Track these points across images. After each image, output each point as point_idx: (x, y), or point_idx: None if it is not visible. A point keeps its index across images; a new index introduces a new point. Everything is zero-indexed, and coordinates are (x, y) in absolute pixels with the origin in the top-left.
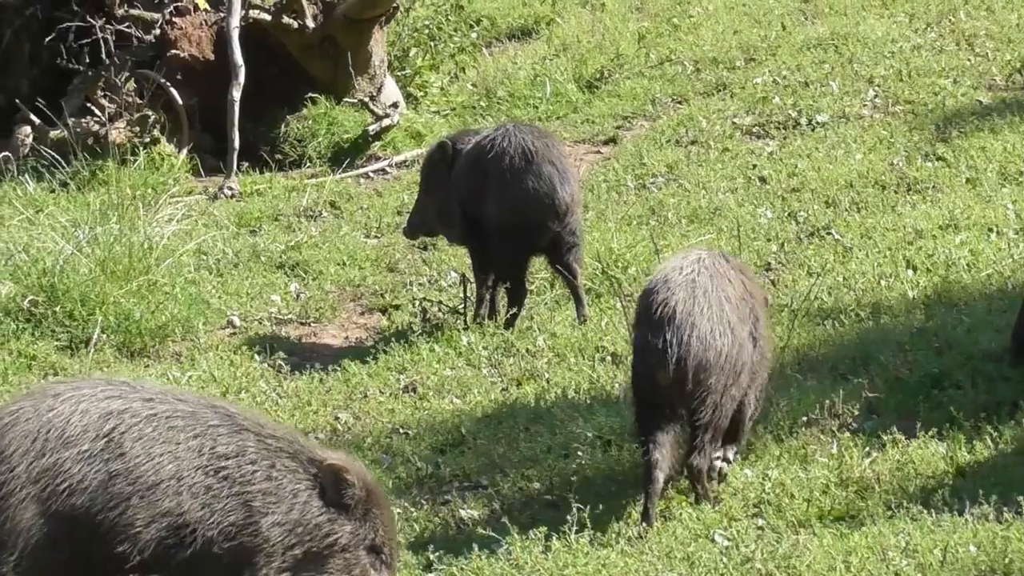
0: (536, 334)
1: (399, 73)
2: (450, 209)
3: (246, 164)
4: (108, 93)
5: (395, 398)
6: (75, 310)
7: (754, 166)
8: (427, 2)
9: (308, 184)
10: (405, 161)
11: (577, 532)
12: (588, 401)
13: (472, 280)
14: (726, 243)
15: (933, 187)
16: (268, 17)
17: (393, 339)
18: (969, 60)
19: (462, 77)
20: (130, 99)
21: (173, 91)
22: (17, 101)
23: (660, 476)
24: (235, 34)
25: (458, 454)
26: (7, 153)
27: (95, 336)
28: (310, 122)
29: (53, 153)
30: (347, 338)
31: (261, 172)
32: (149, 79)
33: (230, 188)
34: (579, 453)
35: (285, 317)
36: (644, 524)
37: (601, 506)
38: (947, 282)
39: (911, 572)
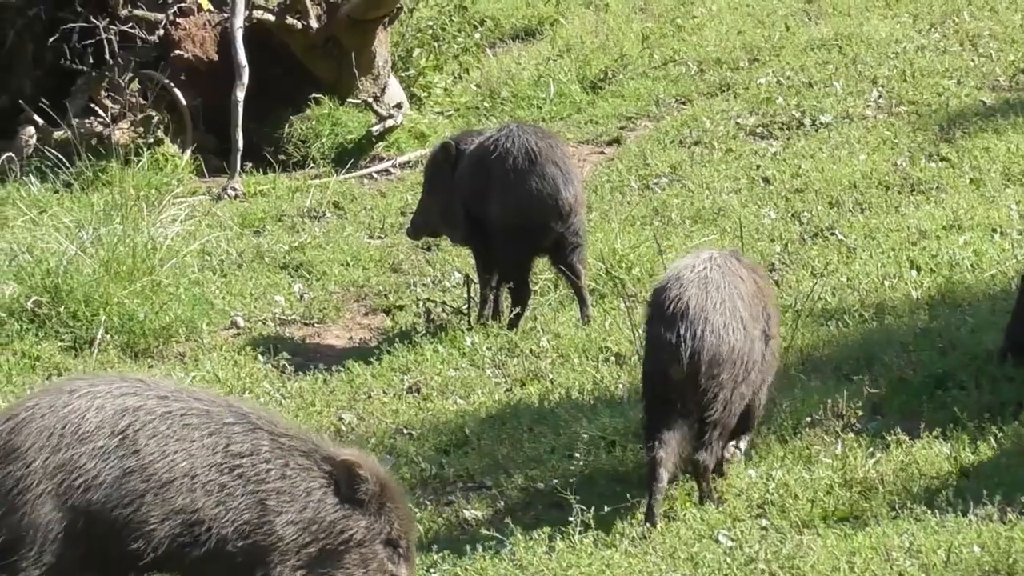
0: (540, 335)
1: (403, 74)
2: (453, 210)
3: (250, 165)
4: (112, 94)
5: (399, 399)
6: (79, 311)
7: (758, 167)
8: (431, 3)
9: (312, 185)
10: (409, 162)
11: (581, 532)
12: (592, 402)
13: (476, 281)
14: (730, 244)
15: (937, 188)
16: (272, 17)
17: (397, 340)
18: (973, 61)
19: (466, 78)
20: (134, 100)
21: (177, 92)
22: (21, 102)
23: (664, 474)
24: (239, 34)
25: (462, 455)
26: (11, 154)
27: (99, 337)
28: (314, 123)
29: (57, 154)
30: (351, 339)
31: (265, 173)
32: (153, 80)
33: (234, 189)
34: (583, 453)
35: (289, 318)
36: (648, 524)
37: (605, 507)
38: (951, 282)
39: (915, 572)
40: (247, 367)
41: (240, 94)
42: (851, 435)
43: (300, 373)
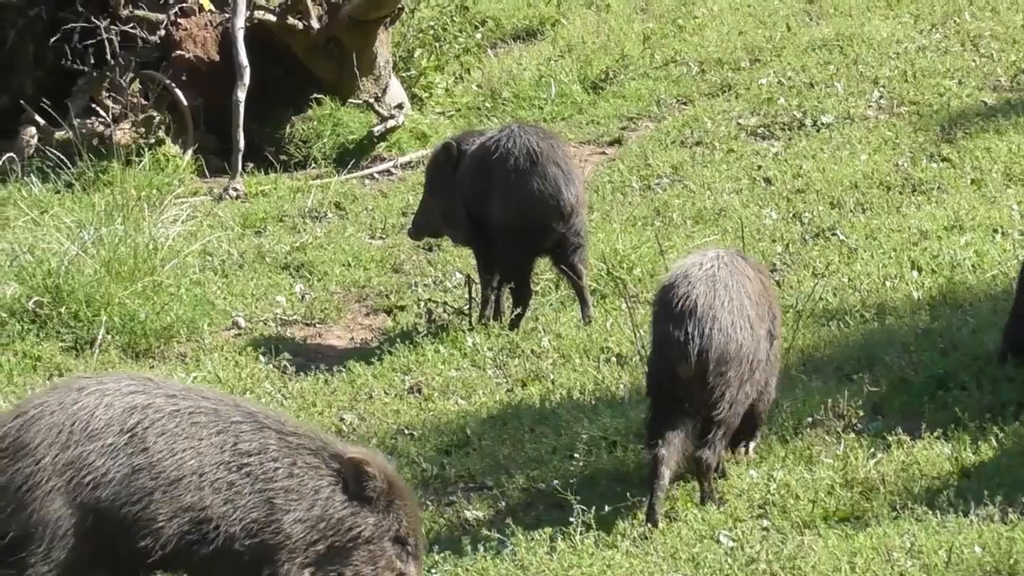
0: (541, 335)
1: (404, 74)
2: (455, 210)
3: (251, 165)
4: (113, 94)
5: (400, 399)
6: (80, 311)
7: (759, 167)
8: (432, 3)
9: (313, 185)
10: (410, 162)
11: (582, 533)
12: (593, 402)
13: (477, 281)
14: (731, 244)
15: (938, 188)
16: (273, 18)
17: (398, 340)
18: (974, 61)
19: (467, 78)
20: (135, 100)
21: (178, 92)
22: (22, 102)
23: (666, 472)
24: (240, 35)
25: (463, 455)
26: (12, 154)
27: (100, 337)
28: (315, 123)
29: (58, 154)
30: (352, 339)
31: (266, 173)
32: (154, 80)
33: (235, 189)
34: (584, 454)
35: (290, 318)
36: (649, 524)
37: (606, 507)
38: (952, 283)
39: (916, 573)
40: (248, 367)
41: (241, 94)
42: (852, 435)
43: (301, 373)
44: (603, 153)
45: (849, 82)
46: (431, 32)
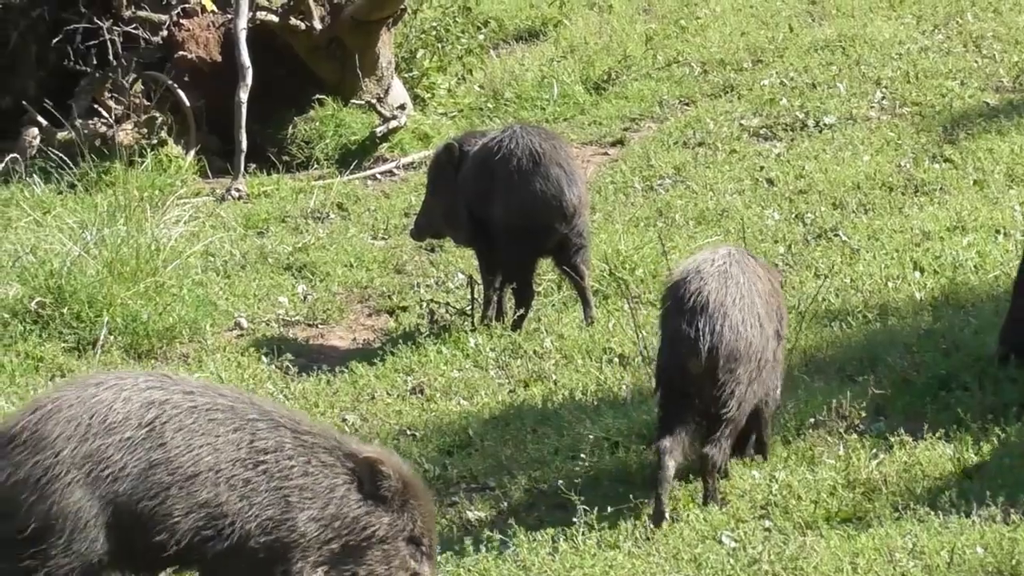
0: (543, 336)
1: (406, 75)
2: (457, 211)
3: (253, 166)
4: (115, 95)
5: (402, 400)
6: (82, 312)
7: (761, 168)
8: (435, 4)
9: (315, 186)
10: (412, 163)
11: (584, 534)
12: (595, 403)
13: (479, 282)
14: (733, 245)
15: (940, 189)
16: (275, 19)
17: (400, 341)
18: (976, 62)
19: (469, 79)
20: (137, 101)
21: (180, 93)
22: (24, 103)
23: (671, 463)
24: (242, 36)
25: (465, 456)
26: (15, 155)
27: (102, 338)
28: (317, 124)
29: (60, 155)
30: (354, 340)
31: (268, 174)
32: (156, 81)
33: (237, 190)
34: (586, 455)
35: (292, 319)
36: (655, 518)
37: (608, 508)
38: (954, 284)
39: (918, 574)
40: (251, 368)
41: (244, 95)
42: (854, 436)
43: (304, 374)
44: (605, 154)
45: (851, 83)
46: (433, 33)
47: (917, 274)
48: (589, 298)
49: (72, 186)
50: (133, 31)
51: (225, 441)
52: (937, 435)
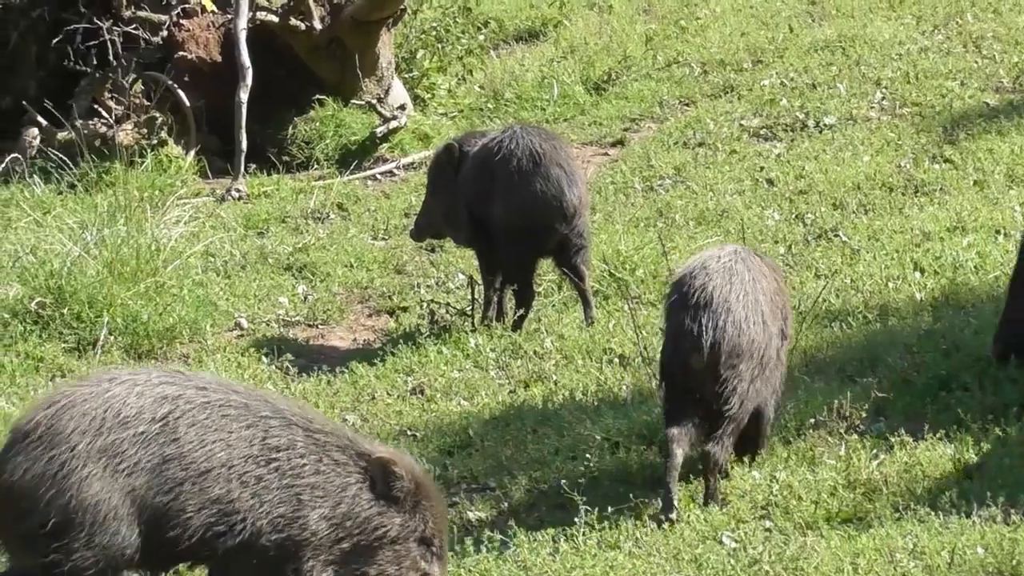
0: (544, 336)
1: (407, 75)
2: (457, 211)
3: (253, 166)
4: (115, 95)
5: (403, 400)
6: (82, 312)
7: (761, 168)
8: (435, 4)
9: (315, 186)
10: (412, 163)
11: (585, 534)
12: (596, 403)
13: (480, 282)
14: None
15: (940, 189)
16: (275, 19)
17: (401, 341)
18: (976, 62)
19: (469, 79)
20: (137, 101)
21: (180, 93)
22: (24, 103)
23: (679, 451)
24: (242, 36)
25: (466, 456)
26: (15, 155)
27: (102, 338)
28: (317, 124)
29: (60, 155)
30: (355, 340)
31: (268, 174)
32: (156, 81)
33: (237, 190)
34: (587, 455)
35: (293, 319)
36: (665, 510)
37: (609, 508)
38: (955, 284)
39: (918, 574)
40: (251, 368)
41: (244, 95)
42: (855, 436)
43: (304, 375)
44: (605, 154)
45: (851, 83)
46: (434, 33)
47: (917, 274)
48: (589, 298)
49: (72, 186)
50: (133, 31)
51: (238, 437)
52: (937, 435)
